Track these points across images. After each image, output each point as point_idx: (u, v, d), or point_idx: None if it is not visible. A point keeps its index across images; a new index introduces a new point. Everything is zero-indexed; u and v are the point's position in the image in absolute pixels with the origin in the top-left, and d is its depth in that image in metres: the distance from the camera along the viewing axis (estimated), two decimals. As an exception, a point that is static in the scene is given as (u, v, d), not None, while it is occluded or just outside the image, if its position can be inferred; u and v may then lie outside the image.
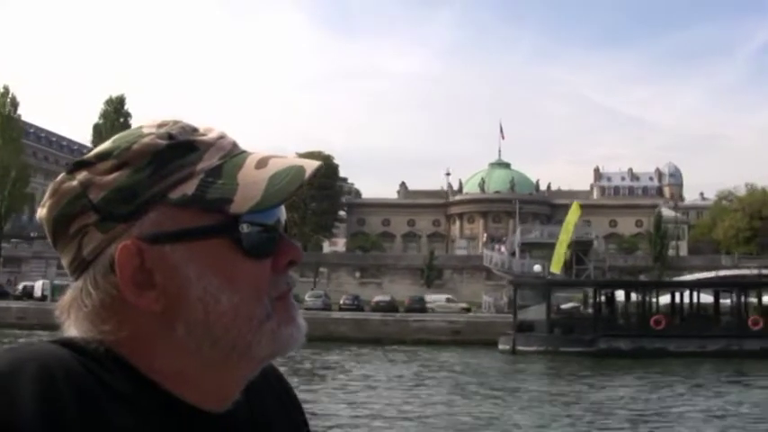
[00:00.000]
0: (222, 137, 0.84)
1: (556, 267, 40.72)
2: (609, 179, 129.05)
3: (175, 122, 0.83)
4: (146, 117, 0.86)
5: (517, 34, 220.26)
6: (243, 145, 0.86)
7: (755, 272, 42.54)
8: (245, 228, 0.78)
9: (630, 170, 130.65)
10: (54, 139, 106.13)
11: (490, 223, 78.86)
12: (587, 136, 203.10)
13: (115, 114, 62.66)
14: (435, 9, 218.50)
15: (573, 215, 42.15)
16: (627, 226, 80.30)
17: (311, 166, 0.81)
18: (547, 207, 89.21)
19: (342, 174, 74.81)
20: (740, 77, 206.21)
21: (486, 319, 44.86)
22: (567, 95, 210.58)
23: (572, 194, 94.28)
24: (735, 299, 36.42)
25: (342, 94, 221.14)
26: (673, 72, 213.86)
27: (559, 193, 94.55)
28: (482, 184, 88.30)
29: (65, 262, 0.82)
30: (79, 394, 0.72)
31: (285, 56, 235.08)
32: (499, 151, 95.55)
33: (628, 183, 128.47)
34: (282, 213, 0.84)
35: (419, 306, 51.57)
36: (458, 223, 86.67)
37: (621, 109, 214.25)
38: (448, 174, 75.39)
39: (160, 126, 0.82)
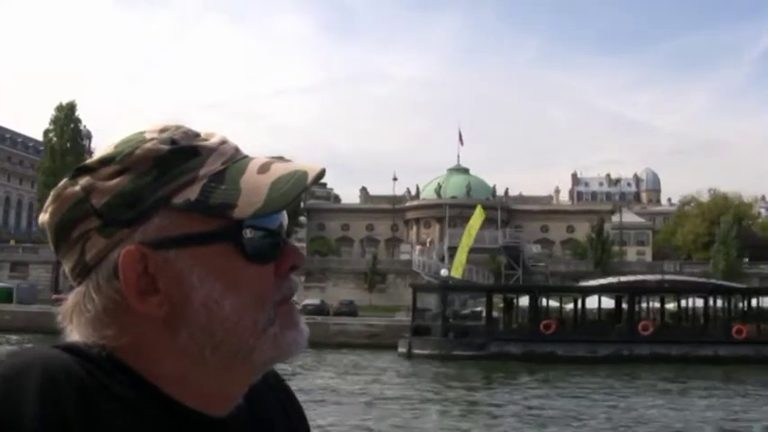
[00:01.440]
0: (224, 142, 0.83)
1: (456, 272, 40.99)
2: (587, 184, 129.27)
3: (177, 127, 0.83)
4: (147, 121, 0.86)
5: (521, 39, 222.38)
6: (246, 148, 0.86)
7: (658, 278, 42.69)
8: (248, 233, 0.78)
9: (608, 175, 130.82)
10: (20, 140, 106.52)
11: (446, 228, 79.10)
12: (590, 141, 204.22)
13: (65, 120, 63.06)
14: (439, 14, 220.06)
15: (476, 220, 42.46)
16: (584, 231, 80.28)
17: (313, 170, 0.81)
18: (504, 212, 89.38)
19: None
20: (745, 81, 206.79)
21: (403, 323, 45.21)
22: (570, 100, 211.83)
23: (532, 200, 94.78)
24: (627, 304, 36.70)
25: (346, 98, 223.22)
26: (678, 76, 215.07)
27: (520, 198, 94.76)
28: (438, 190, 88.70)
29: (67, 267, 0.82)
30: (81, 398, 0.73)
31: (291, 61, 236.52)
32: (458, 157, 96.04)
33: (605, 188, 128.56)
34: (284, 218, 0.84)
35: (348, 310, 51.99)
36: (414, 228, 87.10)
37: (625, 114, 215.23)
38: (395, 179, 75.52)
39: (162, 131, 0.82)
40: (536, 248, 73.63)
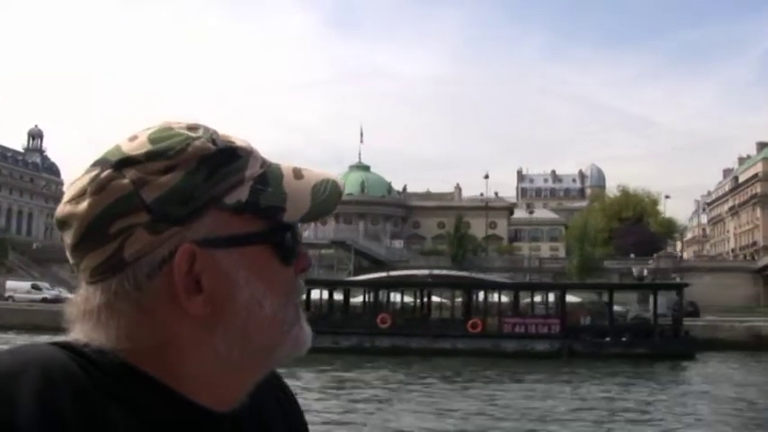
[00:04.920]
0: (250, 145, 0.84)
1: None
2: (531, 181, 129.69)
3: (205, 127, 0.83)
4: (145, 120, 0.84)
5: (525, 34, 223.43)
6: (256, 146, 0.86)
7: (426, 272, 43.39)
8: (288, 235, 0.81)
9: (554, 172, 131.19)
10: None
11: (341, 224, 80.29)
12: (595, 136, 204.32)
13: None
14: (442, 8, 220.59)
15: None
16: (480, 228, 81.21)
17: (340, 179, 0.86)
18: (401, 209, 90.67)
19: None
20: (751, 77, 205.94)
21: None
22: (574, 95, 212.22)
23: (435, 196, 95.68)
24: (370, 298, 37.58)
25: (351, 94, 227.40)
26: (683, 72, 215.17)
27: (422, 195, 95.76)
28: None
29: (89, 263, 0.78)
30: (79, 399, 0.72)
31: (293, 57, 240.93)
32: (359, 154, 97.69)
33: (550, 185, 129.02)
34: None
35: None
36: (312, 225, 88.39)
37: (629, 109, 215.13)
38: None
39: (191, 128, 0.81)
40: (399, 243, 74.68)
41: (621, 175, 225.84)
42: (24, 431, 0.68)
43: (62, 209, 0.79)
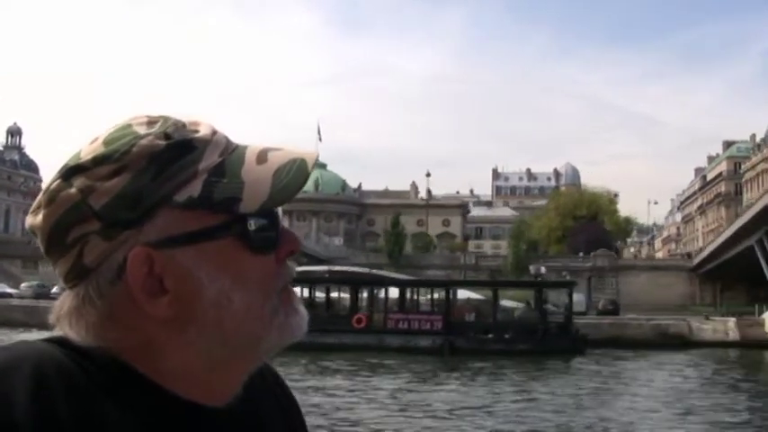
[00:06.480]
0: (215, 132, 0.81)
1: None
2: (506, 179, 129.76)
3: (166, 119, 0.79)
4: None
5: (528, 33, 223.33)
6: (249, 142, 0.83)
7: (325, 269, 44.04)
8: (252, 224, 0.77)
9: (528, 170, 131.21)
10: None
11: (294, 221, 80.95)
12: (598, 134, 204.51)
13: None
14: (446, 6, 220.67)
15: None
16: (435, 226, 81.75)
17: (311, 156, 0.80)
18: (356, 207, 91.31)
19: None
20: (754, 75, 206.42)
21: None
22: (577, 93, 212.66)
23: (387, 194, 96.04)
24: None
25: (353, 93, 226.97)
26: (686, 70, 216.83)
27: (377, 192, 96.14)
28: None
29: (60, 270, 0.78)
30: (72, 395, 0.71)
31: (298, 56, 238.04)
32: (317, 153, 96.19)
33: (525, 183, 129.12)
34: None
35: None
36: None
37: (633, 108, 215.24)
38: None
39: (150, 123, 0.79)
40: (338, 241, 75.36)
41: (623, 173, 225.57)
42: (19, 428, 0.68)
43: (27, 219, 0.80)
